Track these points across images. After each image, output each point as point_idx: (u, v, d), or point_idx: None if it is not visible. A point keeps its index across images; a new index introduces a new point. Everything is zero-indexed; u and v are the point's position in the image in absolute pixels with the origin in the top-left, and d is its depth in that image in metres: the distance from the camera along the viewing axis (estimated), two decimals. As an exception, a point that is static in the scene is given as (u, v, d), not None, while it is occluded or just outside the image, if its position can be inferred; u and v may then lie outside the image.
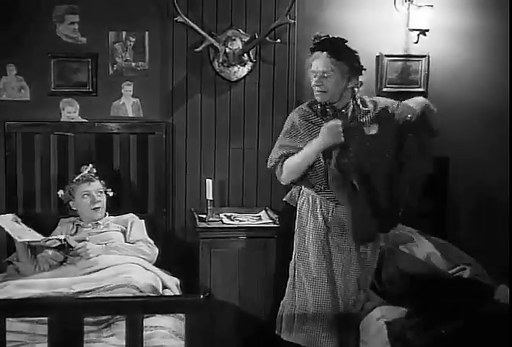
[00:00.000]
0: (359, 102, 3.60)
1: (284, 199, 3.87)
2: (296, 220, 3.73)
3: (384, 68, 4.69)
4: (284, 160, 3.60)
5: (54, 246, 3.88)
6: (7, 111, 4.42)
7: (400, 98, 3.62)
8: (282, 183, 3.69)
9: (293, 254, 3.74)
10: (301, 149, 3.54)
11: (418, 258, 3.98)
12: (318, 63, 3.50)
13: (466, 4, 4.70)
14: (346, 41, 3.55)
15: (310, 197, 3.65)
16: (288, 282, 3.77)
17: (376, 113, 3.59)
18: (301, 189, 3.72)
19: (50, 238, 3.89)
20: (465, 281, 3.73)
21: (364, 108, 3.59)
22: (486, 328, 3.24)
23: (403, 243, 4.18)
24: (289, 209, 3.85)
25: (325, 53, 3.49)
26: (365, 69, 3.59)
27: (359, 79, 3.57)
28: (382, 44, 4.69)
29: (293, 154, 3.57)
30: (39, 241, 3.89)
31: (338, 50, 3.51)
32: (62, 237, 3.87)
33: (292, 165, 3.57)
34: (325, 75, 3.48)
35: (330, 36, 3.54)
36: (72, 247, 3.89)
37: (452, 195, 4.79)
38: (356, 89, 3.57)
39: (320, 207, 3.61)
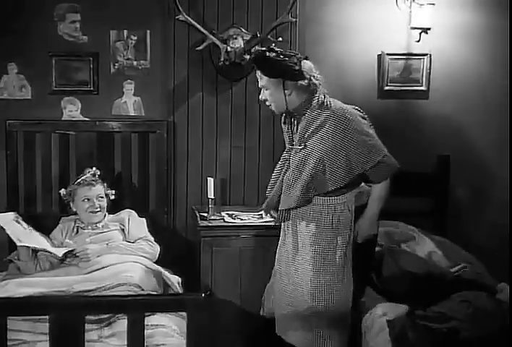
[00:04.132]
0: None
1: None
2: None
3: (385, 66, 4.67)
4: None
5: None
6: (8, 110, 4.42)
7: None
8: None
9: None
10: None
11: (419, 256, 3.98)
12: None
13: (467, 3, 4.70)
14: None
15: None
16: None
17: None
18: None
19: (48, 250, 3.88)
20: (466, 280, 3.72)
21: None
22: (486, 327, 3.23)
23: (405, 242, 4.18)
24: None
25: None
26: None
27: None
28: (383, 43, 4.68)
29: None
30: (38, 250, 3.90)
31: None
32: (60, 255, 3.84)
33: None
34: None
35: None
36: (72, 251, 3.89)
37: (453, 193, 4.79)
38: None
39: None
